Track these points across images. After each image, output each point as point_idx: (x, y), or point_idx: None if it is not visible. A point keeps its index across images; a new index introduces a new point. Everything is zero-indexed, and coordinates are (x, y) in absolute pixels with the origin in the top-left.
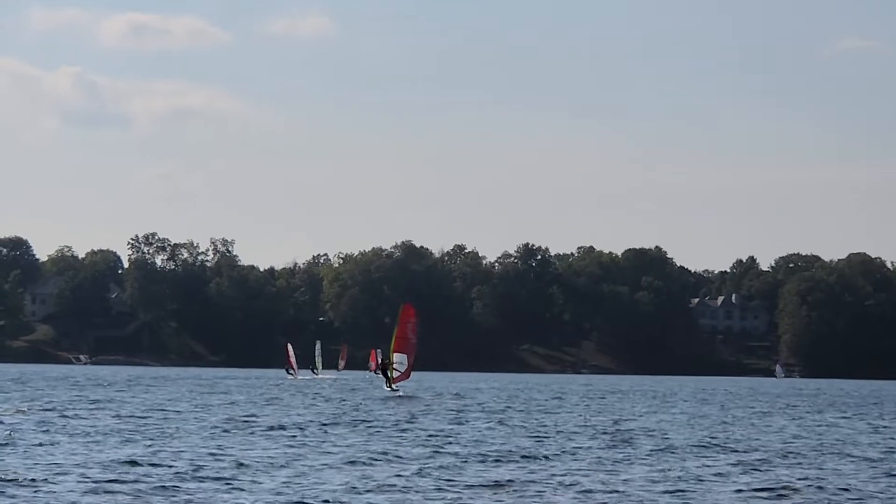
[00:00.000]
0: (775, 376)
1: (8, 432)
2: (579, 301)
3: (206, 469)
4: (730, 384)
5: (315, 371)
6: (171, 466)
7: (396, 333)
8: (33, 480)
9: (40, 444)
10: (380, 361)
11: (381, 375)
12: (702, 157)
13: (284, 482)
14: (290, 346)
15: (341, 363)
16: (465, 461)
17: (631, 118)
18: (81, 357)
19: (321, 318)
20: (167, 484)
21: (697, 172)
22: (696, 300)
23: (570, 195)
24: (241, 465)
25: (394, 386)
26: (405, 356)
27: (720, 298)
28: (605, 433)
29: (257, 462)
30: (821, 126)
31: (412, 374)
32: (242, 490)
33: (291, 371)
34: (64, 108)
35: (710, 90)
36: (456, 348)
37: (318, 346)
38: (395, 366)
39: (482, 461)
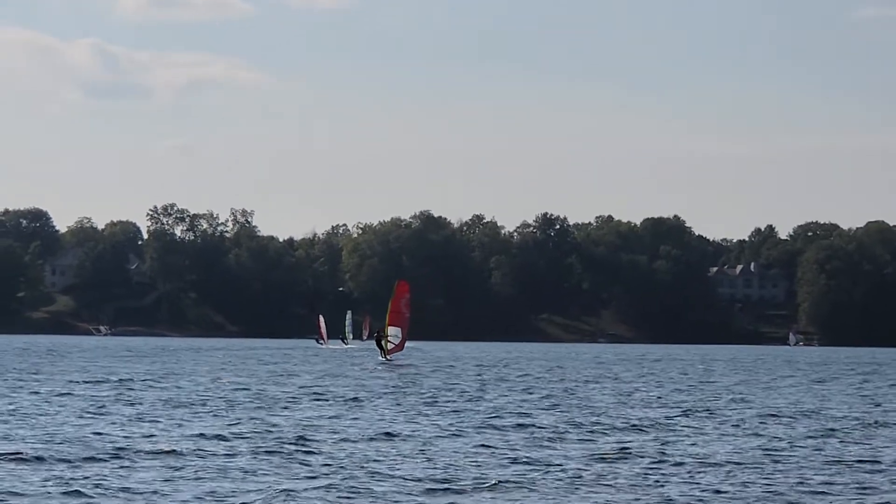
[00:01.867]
0: (789, 344)
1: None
2: (598, 270)
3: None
4: (737, 353)
5: (345, 341)
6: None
7: (391, 308)
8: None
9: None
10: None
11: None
12: (720, 126)
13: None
14: (322, 317)
15: (365, 333)
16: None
17: (648, 88)
18: (101, 328)
19: (340, 289)
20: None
21: (715, 141)
22: (715, 269)
23: (588, 165)
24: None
25: (388, 357)
26: (399, 329)
27: (739, 267)
28: None
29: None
30: (839, 94)
31: (406, 345)
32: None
33: (321, 341)
34: (83, 79)
35: (728, 59)
36: (474, 318)
37: (348, 316)
38: (389, 338)
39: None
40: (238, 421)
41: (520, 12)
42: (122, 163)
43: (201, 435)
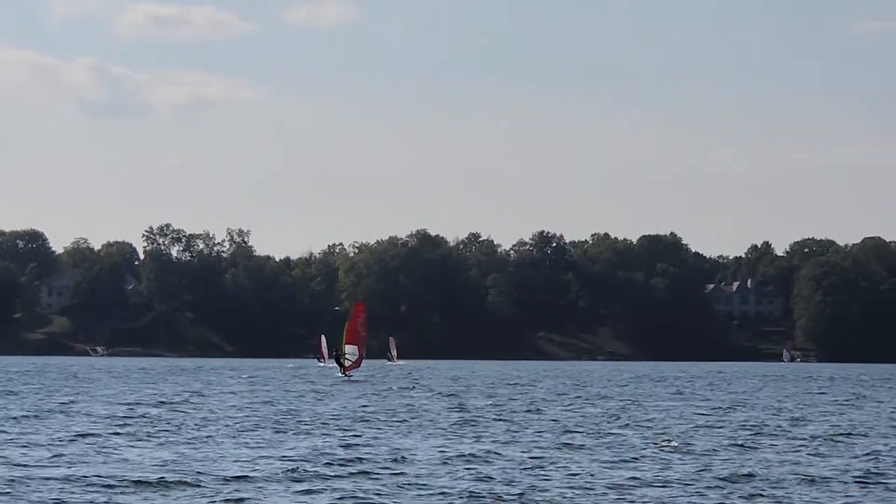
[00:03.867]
0: (783, 361)
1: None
2: (595, 288)
3: None
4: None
5: None
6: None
7: (347, 328)
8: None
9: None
10: (333, 351)
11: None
12: (716, 142)
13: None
14: (323, 337)
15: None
16: None
17: (644, 105)
18: (98, 349)
19: (336, 308)
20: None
21: (711, 158)
22: (712, 286)
23: (584, 182)
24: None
25: (347, 373)
26: (356, 347)
27: (735, 284)
28: None
29: None
30: (836, 110)
31: (363, 362)
32: None
33: (322, 360)
34: (83, 98)
35: (725, 75)
36: (471, 336)
37: None
38: (347, 356)
39: None
40: None
41: (518, 32)
42: (120, 182)
43: None
